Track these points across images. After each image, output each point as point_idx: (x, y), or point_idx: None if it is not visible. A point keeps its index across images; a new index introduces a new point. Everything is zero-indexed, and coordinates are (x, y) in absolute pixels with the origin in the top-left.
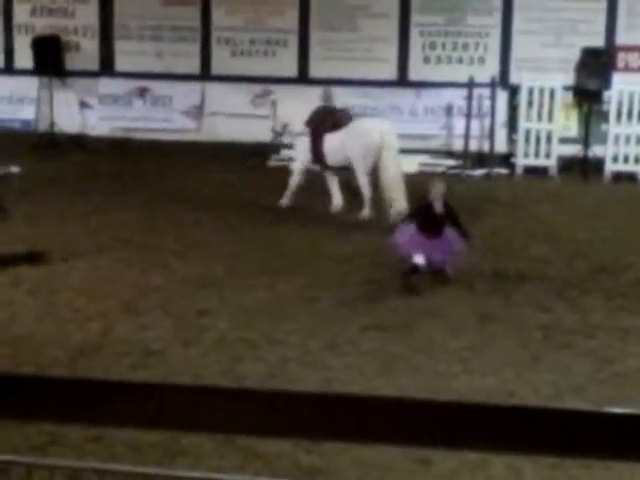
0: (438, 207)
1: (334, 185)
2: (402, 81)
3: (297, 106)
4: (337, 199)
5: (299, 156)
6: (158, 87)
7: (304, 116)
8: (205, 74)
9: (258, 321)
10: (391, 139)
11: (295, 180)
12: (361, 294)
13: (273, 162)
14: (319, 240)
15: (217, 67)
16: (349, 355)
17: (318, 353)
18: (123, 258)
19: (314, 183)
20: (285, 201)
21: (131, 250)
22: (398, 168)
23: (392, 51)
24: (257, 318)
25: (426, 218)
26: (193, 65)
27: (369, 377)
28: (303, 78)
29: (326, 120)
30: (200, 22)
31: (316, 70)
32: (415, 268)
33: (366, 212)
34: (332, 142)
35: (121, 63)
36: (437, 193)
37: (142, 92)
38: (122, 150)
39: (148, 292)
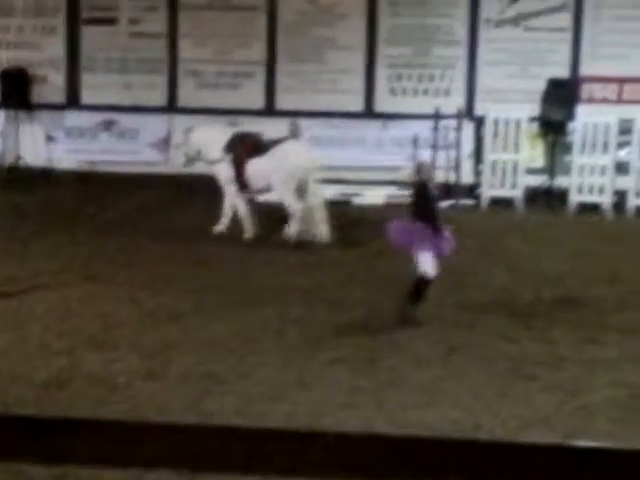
0: (433, 188)
1: (250, 212)
2: (368, 112)
3: (211, 133)
4: (251, 228)
5: (227, 183)
6: (125, 120)
7: (219, 143)
8: (172, 106)
9: (224, 355)
10: (315, 163)
11: (241, 207)
12: (327, 327)
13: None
14: (285, 273)
15: (184, 99)
16: (316, 389)
17: (285, 387)
18: (90, 292)
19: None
20: (249, 234)
21: (98, 284)
22: (319, 194)
23: (358, 83)
24: (223, 352)
25: (425, 200)
26: (160, 97)
27: (335, 411)
28: (270, 110)
29: (246, 146)
30: (167, 54)
31: (283, 102)
32: (425, 282)
33: (294, 229)
34: (256, 167)
35: (88, 96)
36: (426, 174)
37: (109, 125)
38: (89, 183)
39: (115, 326)
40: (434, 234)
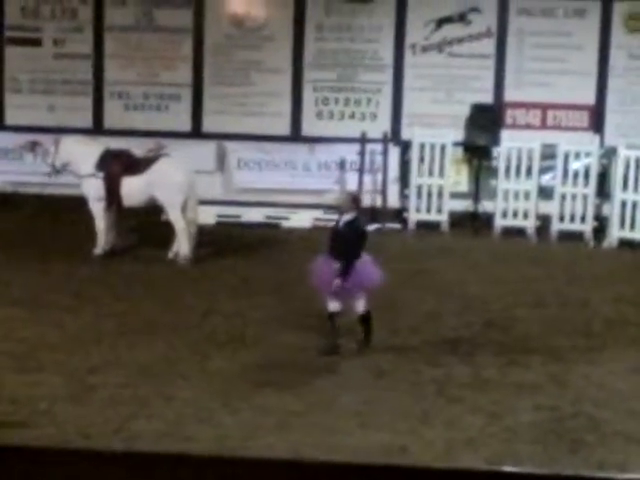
0: (342, 221)
1: (111, 227)
2: (296, 136)
3: (81, 146)
4: (107, 242)
5: (94, 200)
6: (50, 141)
7: (89, 158)
8: (98, 128)
9: (151, 378)
10: (194, 180)
11: (100, 224)
12: (255, 350)
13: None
14: (213, 295)
15: (110, 121)
16: (244, 412)
17: (213, 410)
18: (14, 315)
19: (223, 238)
20: (99, 250)
21: (23, 307)
22: (196, 211)
23: (286, 106)
24: (150, 375)
25: (332, 235)
26: (85, 119)
27: (264, 434)
28: (196, 132)
29: (120, 163)
30: (92, 76)
31: (210, 124)
32: (332, 316)
33: (185, 246)
34: (133, 184)
35: (11, 117)
36: (343, 205)
37: (33, 146)
38: (12, 205)
39: (39, 349)
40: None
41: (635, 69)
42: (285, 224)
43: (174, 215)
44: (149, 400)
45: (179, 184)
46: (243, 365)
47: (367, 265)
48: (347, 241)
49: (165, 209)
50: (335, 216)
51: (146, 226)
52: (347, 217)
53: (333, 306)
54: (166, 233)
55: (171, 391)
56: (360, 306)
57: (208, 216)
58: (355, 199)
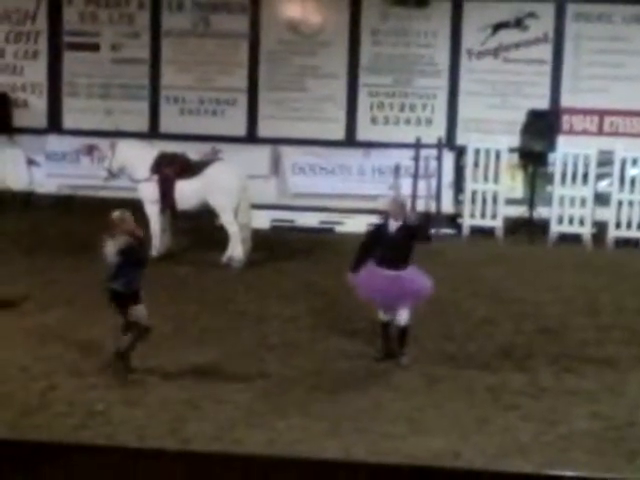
0: (392, 227)
1: (165, 230)
2: (350, 141)
3: (137, 150)
4: (161, 245)
5: (150, 203)
6: (106, 145)
7: (145, 161)
8: (154, 132)
9: (204, 381)
10: (247, 184)
11: (156, 227)
12: (308, 355)
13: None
14: (266, 299)
15: (166, 125)
16: (295, 416)
17: (264, 414)
18: (69, 317)
19: (266, 242)
20: (154, 253)
21: (78, 309)
22: (249, 215)
23: (340, 111)
24: (203, 378)
25: (380, 242)
26: (142, 123)
27: (315, 438)
28: (252, 137)
29: (174, 166)
30: (149, 80)
31: (265, 129)
32: (384, 325)
33: (238, 250)
34: (186, 188)
35: (69, 120)
36: (393, 211)
37: (90, 150)
38: (69, 208)
39: (94, 351)
40: (389, 279)
41: None
42: (339, 229)
43: (227, 219)
44: (201, 403)
45: (231, 188)
46: (295, 370)
47: (417, 274)
48: (402, 247)
49: (218, 213)
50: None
51: (201, 229)
52: (397, 223)
53: (384, 316)
54: (221, 237)
55: (223, 394)
56: (403, 319)
57: (263, 220)
58: (403, 205)
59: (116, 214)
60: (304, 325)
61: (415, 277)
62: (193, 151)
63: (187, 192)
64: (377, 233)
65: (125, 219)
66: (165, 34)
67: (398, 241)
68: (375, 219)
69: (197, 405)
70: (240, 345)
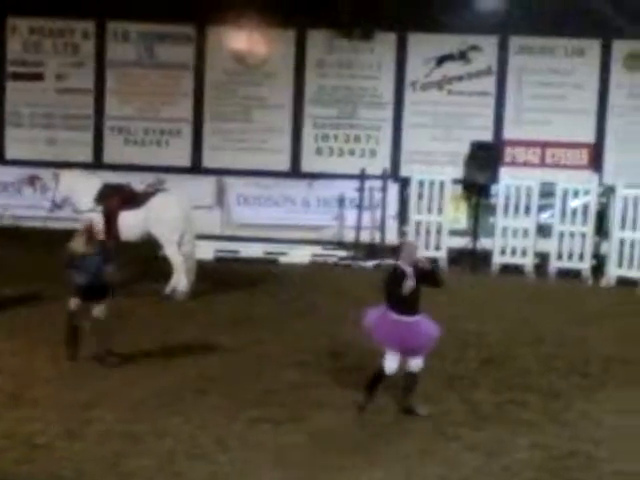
0: (408, 271)
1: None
2: (295, 172)
3: (80, 181)
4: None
5: None
6: (49, 176)
7: (89, 192)
8: (98, 162)
9: (146, 413)
10: (191, 215)
11: None
12: (252, 386)
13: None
14: (211, 330)
15: (110, 156)
16: (237, 448)
17: (206, 446)
18: (10, 349)
19: (215, 273)
20: None
21: (20, 341)
22: (193, 246)
23: (285, 142)
24: (145, 410)
25: (397, 284)
26: (86, 153)
27: (257, 470)
28: (196, 168)
29: (118, 197)
30: (93, 110)
31: (209, 160)
32: (381, 375)
33: (182, 282)
34: (130, 219)
35: (12, 151)
36: (407, 256)
37: (32, 180)
38: (12, 238)
39: (35, 383)
40: (409, 325)
41: (634, 108)
42: (283, 260)
43: (170, 250)
44: (142, 436)
45: (175, 219)
46: (239, 401)
47: (428, 320)
48: (417, 292)
49: (162, 244)
50: (333, 252)
51: (145, 261)
52: (410, 267)
53: (390, 367)
54: (164, 268)
55: (165, 427)
56: (417, 365)
57: (207, 251)
58: (417, 249)
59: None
60: (248, 356)
61: (428, 322)
62: (137, 182)
63: (131, 223)
64: (396, 278)
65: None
66: (110, 64)
67: (416, 286)
68: (319, 249)
69: (138, 438)
70: (182, 376)
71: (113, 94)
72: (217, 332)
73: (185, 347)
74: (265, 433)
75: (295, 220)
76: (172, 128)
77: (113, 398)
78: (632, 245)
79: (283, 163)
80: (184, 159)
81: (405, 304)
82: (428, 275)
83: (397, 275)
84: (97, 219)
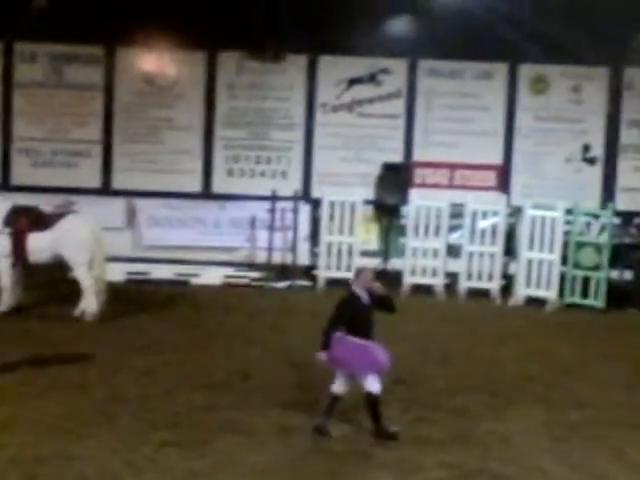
0: (364, 297)
1: (16, 283)
2: (206, 193)
3: None
4: (12, 299)
5: (2, 256)
6: None
7: None
8: (5, 184)
9: (54, 437)
10: (101, 236)
11: (7, 280)
12: (162, 409)
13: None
14: (121, 352)
15: (18, 177)
16: (147, 472)
17: (116, 470)
18: None
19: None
20: (3, 307)
21: None
22: (103, 268)
23: (196, 164)
24: (53, 434)
25: (355, 313)
26: None
27: None
28: (106, 189)
29: (26, 219)
30: (1, 132)
31: (119, 181)
32: (334, 398)
33: (92, 304)
34: (39, 241)
35: None
36: (362, 282)
37: None
38: None
39: None
40: (369, 349)
41: (540, 130)
42: (195, 281)
43: (80, 272)
44: (52, 460)
45: (85, 241)
46: (149, 424)
47: (374, 346)
48: (371, 316)
49: (71, 266)
50: (245, 273)
51: (54, 283)
52: (365, 292)
53: (339, 388)
54: (74, 290)
55: (73, 450)
56: (376, 388)
57: (117, 273)
58: (373, 275)
59: None
60: (158, 378)
61: (379, 347)
62: (46, 203)
63: (40, 245)
64: (352, 305)
65: None
66: (17, 85)
67: (370, 311)
68: (231, 271)
69: (47, 462)
70: (92, 399)
71: (21, 115)
72: (128, 354)
73: (96, 369)
74: (174, 456)
75: (207, 241)
76: (82, 149)
77: (22, 422)
78: (540, 265)
79: (194, 184)
80: (94, 180)
81: (361, 329)
82: (383, 301)
83: (352, 300)
84: (5, 241)
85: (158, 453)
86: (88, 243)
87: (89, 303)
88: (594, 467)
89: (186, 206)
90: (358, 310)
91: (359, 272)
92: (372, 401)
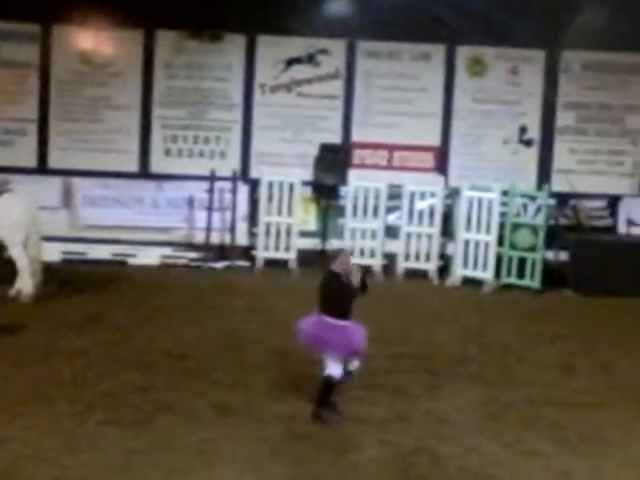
0: (344, 277)
1: None
2: (143, 173)
3: None
4: None
5: None
6: None
7: None
8: None
9: None
10: (37, 216)
11: None
12: (98, 389)
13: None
14: (57, 333)
15: None
16: (85, 452)
17: (53, 451)
18: None
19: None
20: None
21: None
22: (39, 248)
23: (134, 143)
24: None
25: (332, 290)
26: None
27: (105, 474)
28: (42, 169)
29: None
30: None
31: (56, 160)
32: (330, 383)
33: (27, 284)
34: None
35: None
36: (341, 264)
37: None
38: None
39: None
40: (343, 330)
41: (477, 112)
42: (132, 261)
43: (15, 252)
44: None
45: (20, 220)
46: (85, 404)
47: (352, 327)
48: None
49: (6, 245)
50: (183, 254)
51: None
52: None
53: (336, 371)
54: (10, 270)
55: (8, 431)
56: (335, 371)
57: (53, 253)
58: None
59: None
60: (95, 359)
61: (357, 329)
62: None
63: None
64: (328, 285)
65: None
66: None
67: (349, 292)
68: (169, 251)
69: None
70: (27, 380)
71: None
72: (64, 335)
73: (31, 350)
74: (112, 436)
75: (144, 222)
76: (17, 128)
77: None
78: (476, 246)
79: (131, 164)
80: (30, 159)
81: (335, 308)
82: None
83: (332, 279)
84: None
85: (95, 433)
86: (23, 222)
87: (25, 283)
88: (528, 445)
89: (123, 186)
90: (336, 291)
91: (336, 254)
92: (328, 385)
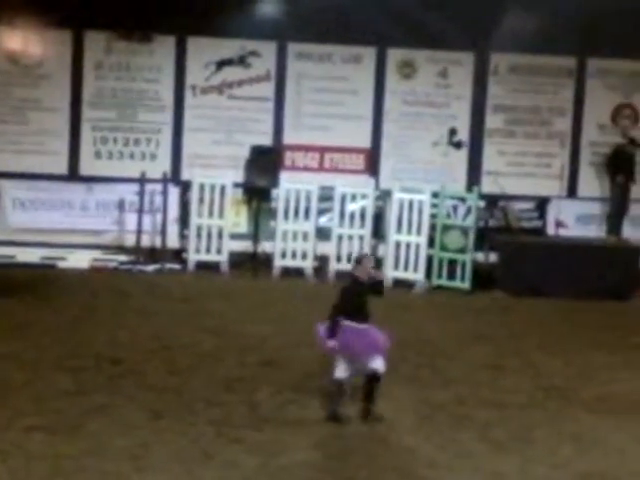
0: (365, 283)
1: None
2: (73, 176)
3: None
4: None
5: None
6: None
7: None
8: None
9: None
10: None
11: None
12: (27, 394)
13: None
14: None
15: None
16: (14, 457)
17: None
18: None
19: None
20: None
21: None
22: None
23: (63, 145)
24: None
25: (356, 297)
26: None
27: None
28: None
29: None
30: None
31: None
32: (339, 385)
33: None
34: None
35: None
36: (365, 269)
37: None
38: None
39: None
40: (368, 333)
41: (408, 114)
42: (62, 265)
43: None
44: None
45: None
46: (13, 409)
47: (373, 329)
48: (367, 301)
49: None
50: (113, 257)
51: None
52: (364, 278)
53: (342, 374)
54: None
55: None
56: (379, 365)
57: None
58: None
59: None
60: (24, 363)
61: (376, 331)
62: None
63: None
64: (352, 290)
65: None
66: None
67: (366, 296)
68: (99, 254)
69: None
70: None
71: None
72: None
73: None
74: (41, 441)
75: (74, 224)
76: None
77: None
78: (407, 247)
79: (61, 166)
80: None
81: (358, 313)
82: (377, 285)
83: (355, 287)
84: None
85: (24, 438)
86: None
87: None
88: (459, 445)
89: (52, 188)
90: (359, 296)
91: (361, 259)
92: (374, 379)
